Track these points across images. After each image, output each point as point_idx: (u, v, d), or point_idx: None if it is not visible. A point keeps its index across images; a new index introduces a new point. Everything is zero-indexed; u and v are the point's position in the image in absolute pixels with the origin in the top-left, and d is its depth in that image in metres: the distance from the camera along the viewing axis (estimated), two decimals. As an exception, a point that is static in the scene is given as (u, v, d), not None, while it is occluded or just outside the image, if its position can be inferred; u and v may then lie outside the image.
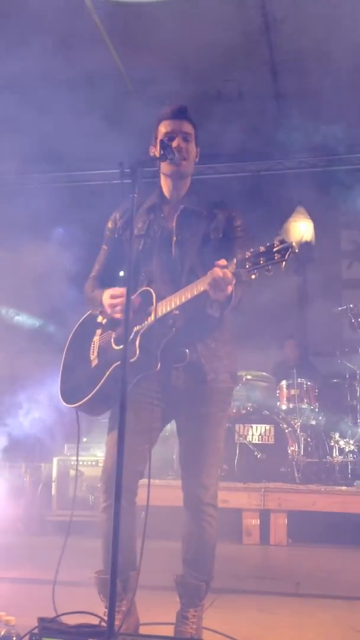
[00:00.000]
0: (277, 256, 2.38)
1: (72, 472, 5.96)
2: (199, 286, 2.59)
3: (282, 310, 7.40)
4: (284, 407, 6.46)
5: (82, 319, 3.07)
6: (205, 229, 2.85)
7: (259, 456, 5.81)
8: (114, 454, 2.26)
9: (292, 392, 6.46)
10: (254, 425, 5.96)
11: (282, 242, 2.40)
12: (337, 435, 6.15)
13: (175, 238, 2.84)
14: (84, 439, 6.05)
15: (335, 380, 6.66)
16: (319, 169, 7.56)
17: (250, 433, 5.93)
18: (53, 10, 5.36)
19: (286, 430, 5.95)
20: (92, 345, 2.93)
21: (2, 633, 2.41)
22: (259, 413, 6.06)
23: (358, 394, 6.31)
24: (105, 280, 3.00)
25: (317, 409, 6.47)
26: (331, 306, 6.83)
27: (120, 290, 2.77)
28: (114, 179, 7.31)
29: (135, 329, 2.68)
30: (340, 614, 3.40)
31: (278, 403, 6.52)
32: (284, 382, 6.58)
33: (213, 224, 2.86)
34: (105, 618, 2.14)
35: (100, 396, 2.78)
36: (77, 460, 3.20)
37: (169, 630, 2.74)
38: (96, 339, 2.93)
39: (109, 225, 3.02)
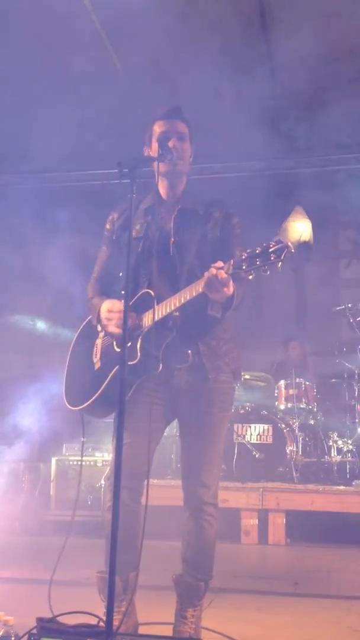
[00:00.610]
0: (273, 256, 2.40)
1: (71, 472, 5.97)
2: (197, 287, 2.59)
3: (280, 310, 7.41)
4: (282, 406, 6.46)
5: (85, 321, 3.07)
6: (203, 228, 2.86)
7: (257, 456, 5.82)
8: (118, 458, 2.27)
9: (291, 391, 6.45)
10: (253, 425, 5.96)
11: (278, 242, 2.42)
12: (335, 435, 6.15)
13: (173, 239, 2.84)
14: (83, 440, 6.04)
15: (333, 380, 6.66)
16: (318, 169, 7.56)
17: (248, 433, 5.93)
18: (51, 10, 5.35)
19: (284, 430, 5.95)
20: (95, 348, 2.94)
21: (0, 633, 2.41)
22: (257, 413, 6.06)
23: (356, 393, 6.31)
24: (105, 281, 3.01)
25: (315, 409, 6.47)
26: (329, 306, 6.83)
27: (118, 305, 2.78)
28: (113, 179, 7.30)
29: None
30: (339, 614, 3.40)
31: (276, 403, 6.52)
32: (282, 382, 6.58)
33: (210, 223, 2.87)
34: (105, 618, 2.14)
35: (103, 399, 2.79)
36: (81, 460, 3.20)
37: (167, 630, 2.74)
38: (99, 341, 2.94)
39: (107, 226, 3.02)
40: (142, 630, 2.74)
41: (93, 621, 2.36)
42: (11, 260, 7.16)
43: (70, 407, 2.93)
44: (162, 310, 2.68)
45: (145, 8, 4.91)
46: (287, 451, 5.89)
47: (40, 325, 8.06)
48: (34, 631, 2.21)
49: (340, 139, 6.84)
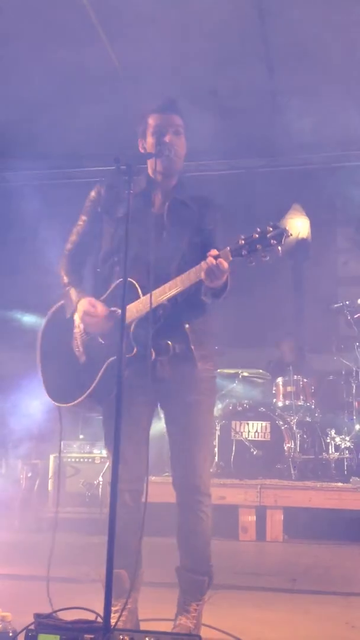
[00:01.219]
0: (273, 241, 2.39)
1: (69, 469, 5.97)
2: (193, 275, 2.57)
3: (278, 307, 7.40)
4: (280, 404, 6.46)
5: (54, 307, 2.93)
6: (194, 219, 2.85)
7: (255, 453, 5.83)
8: (116, 454, 2.25)
9: (289, 389, 6.46)
10: (250, 422, 5.97)
11: (275, 227, 2.40)
12: (333, 432, 6.16)
13: (165, 225, 2.81)
14: (81, 436, 6.06)
15: (331, 377, 6.67)
16: (316, 166, 7.55)
17: (246, 430, 5.93)
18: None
19: (282, 427, 5.96)
20: (75, 340, 2.81)
21: (-2, 629, 2.42)
22: (255, 410, 6.07)
23: (354, 390, 6.31)
24: (78, 259, 2.92)
25: (313, 406, 6.48)
26: (327, 303, 6.83)
27: (99, 309, 2.69)
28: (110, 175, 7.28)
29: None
30: (336, 610, 3.40)
31: (274, 400, 6.52)
32: (280, 379, 6.58)
33: (200, 216, 2.86)
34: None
35: (96, 393, 2.72)
36: (59, 456, 3.18)
37: (167, 626, 2.74)
38: (77, 331, 2.80)
39: (92, 194, 2.92)
40: (141, 626, 2.74)
41: (91, 617, 2.36)
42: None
43: (56, 403, 2.81)
44: (155, 297, 2.59)
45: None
46: (285, 448, 5.90)
47: (28, 319, 7.99)
48: (32, 627, 2.21)
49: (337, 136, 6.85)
